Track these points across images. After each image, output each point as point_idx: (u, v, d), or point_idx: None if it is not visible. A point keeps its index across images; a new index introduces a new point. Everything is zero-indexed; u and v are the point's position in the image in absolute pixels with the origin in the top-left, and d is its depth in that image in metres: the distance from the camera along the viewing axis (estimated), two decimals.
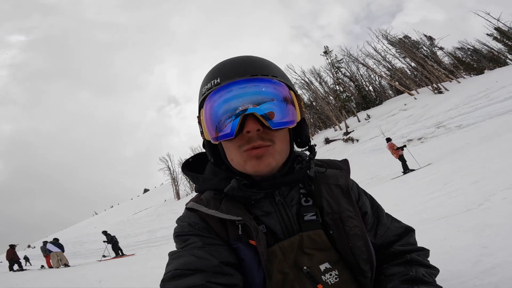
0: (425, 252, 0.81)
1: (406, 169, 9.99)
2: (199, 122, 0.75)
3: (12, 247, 13.60)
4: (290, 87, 0.73)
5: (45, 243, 13.60)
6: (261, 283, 0.66)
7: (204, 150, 0.85)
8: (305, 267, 0.68)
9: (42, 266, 13.67)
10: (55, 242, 13.25)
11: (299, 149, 0.82)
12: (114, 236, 16.04)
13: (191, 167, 0.87)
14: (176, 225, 0.76)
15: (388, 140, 11.25)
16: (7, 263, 13.18)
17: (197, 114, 0.76)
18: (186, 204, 0.77)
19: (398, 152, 10.54)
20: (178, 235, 0.72)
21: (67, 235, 35.57)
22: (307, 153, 0.81)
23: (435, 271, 0.78)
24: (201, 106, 0.73)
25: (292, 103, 0.70)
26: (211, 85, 0.70)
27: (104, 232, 15.90)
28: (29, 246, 42.94)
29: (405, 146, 10.86)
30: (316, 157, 0.83)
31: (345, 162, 0.86)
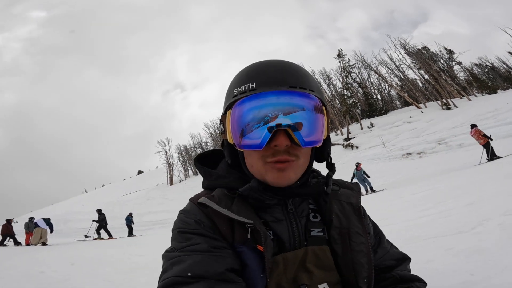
0: (424, 284, 0.79)
1: (493, 156, 9.76)
2: (222, 121, 0.73)
3: (9, 221, 13.21)
4: (324, 103, 0.71)
5: (31, 219, 13.19)
6: None
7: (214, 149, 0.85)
8: (303, 285, 0.65)
9: (19, 243, 12.74)
10: (47, 220, 12.90)
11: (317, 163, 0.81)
12: (131, 222, 15.51)
13: (204, 162, 0.85)
14: (177, 218, 0.72)
15: (473, 126, 10.85)
16: None
17: (222, 114, 0.74)
18: (194, 200, 0.73)
19: (484, 138, 10.13)
20: (182, 232, 0.67)
21: (52, 212, 34.65)
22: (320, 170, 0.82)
23: None
24: (229, 107, 0.70)
25: (322, 120, 0.69)
26: (245, 89, 0.67)
27: (98, 211, 15.05)
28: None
29: (491, 139, 10.36)
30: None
31: (357, 185, 0.87)
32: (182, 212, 0.72)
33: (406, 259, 0.85)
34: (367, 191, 11.93)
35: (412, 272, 0.82)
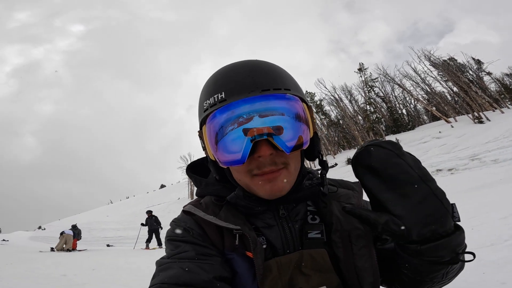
0: None
1: None
2: (201, 137, 0.69)
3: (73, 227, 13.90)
4: (303, 99, 0.66)
5: (74, 226, 13.64)
6: None
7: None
8: None
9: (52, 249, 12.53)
10: (73, 228, 13.29)
11: (309, 162, 0.79)
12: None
13: (196, 169, 0.83)
14: (170, 227, 0.72)
15: None
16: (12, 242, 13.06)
17: (198, 130, 0.70)
18: (184, 207, 0.73)
19: None
20: (171, 240, 0.67)
21: (78, 220, 36.52)
22: (318, 171, 0.77)
23: None
24: (203, 122, 0.66)
25: (305, 120, 0.64)
26: (214, 101, 0.62)
27: (148, 212, 13.59)
28: (39, 228, 42.78)
29: None
30: (332, 177, 0.79)
31: (358, 184, 0.80)
32: (173, 221, 0.72)
33: None
34: None
35: None
